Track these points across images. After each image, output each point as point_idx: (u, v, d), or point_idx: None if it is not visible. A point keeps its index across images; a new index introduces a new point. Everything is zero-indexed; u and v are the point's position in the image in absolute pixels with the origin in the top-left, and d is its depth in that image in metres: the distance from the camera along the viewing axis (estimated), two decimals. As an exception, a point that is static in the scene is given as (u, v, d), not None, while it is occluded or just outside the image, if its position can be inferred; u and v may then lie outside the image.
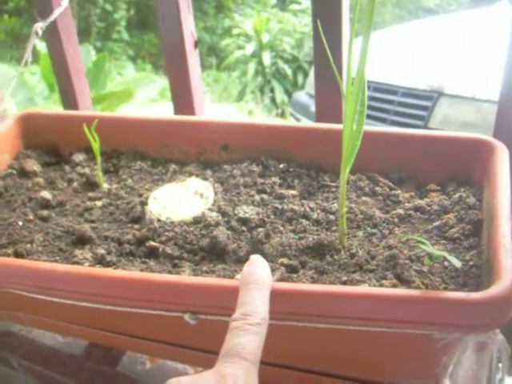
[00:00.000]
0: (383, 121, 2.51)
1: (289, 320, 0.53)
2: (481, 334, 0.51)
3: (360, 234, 0.65)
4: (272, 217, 0.69)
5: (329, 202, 0.71)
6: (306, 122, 2.70)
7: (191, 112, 1.00)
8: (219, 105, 5.30)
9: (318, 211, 0.69)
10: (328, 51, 0.58)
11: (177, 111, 1.03)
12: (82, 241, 0.70)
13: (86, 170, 0.84)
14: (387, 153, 0.74)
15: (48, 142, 0.90)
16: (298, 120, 3.05)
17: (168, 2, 0.93)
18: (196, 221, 0.70)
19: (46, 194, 0.79)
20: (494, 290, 0.48)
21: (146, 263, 0.65)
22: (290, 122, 3.23)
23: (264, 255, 0.62)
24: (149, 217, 0.71)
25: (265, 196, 0.73)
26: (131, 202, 0.75)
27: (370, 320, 0.51)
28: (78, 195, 0.81)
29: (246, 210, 0.70)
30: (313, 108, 0.91)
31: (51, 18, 0.93)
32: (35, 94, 3.81)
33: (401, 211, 0.68)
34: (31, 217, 0.75)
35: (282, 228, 0.67)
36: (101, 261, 0.65)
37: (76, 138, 0.84)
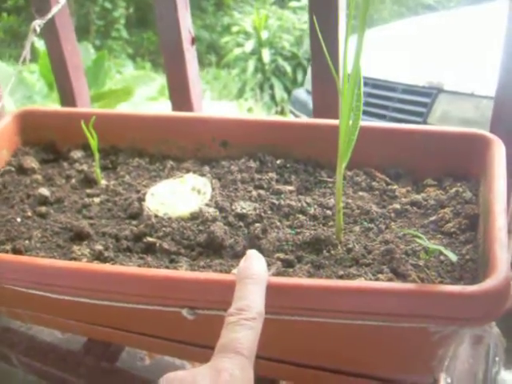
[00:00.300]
0: (382, 117, 2.51)
1: (284, 314, 0.53)
2: (476, 327, 0.51)
3: (357, 228, 0.65)
4: (269, 212, 0.69)
5: (326, 198, 0.71)
6: (302, 118, 2.70)
7: (189, 109, 1.00)
8: (219, 102, 5.30)
9: (315, 206, 0.69)
10: (324, 47, 0.59)
11: (175, 108, 1.03)
12: (79, 237, 0.70)
13: (84, 167, 0.85)
14: (384, 148, 0.74)
15: (46, 139, 0.90)
16: (297, 117, 3.05)
17: (166, 0, 0.93)
18: (193, 216, 0.70)
19: (44, 191, 0.79)
20: (489, 283, 0.48)
21: (144, 259, 0.65)
22: (287, 117, 3.23)
23: (261, 250, 0.63)
24: (146, 213, 0.71)
25: (262, 192, 0.73)
26: (129, 199, 0.75)
27: (366, 314, 0.51)
28: (76, 192, 0.81)
29: (244, 206, 0.70)
30: (312, 105, 0.91)
31: (49, 16, 0.93)
32: (34, 93, 3.81)
33: (397, 206, 0.68)
34: (29, 213, 0.76)
35: (278, 223, 0.67)
36: (98, 257, 0.66)
37: (74, 134, 0.84)
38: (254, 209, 0.69)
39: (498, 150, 0.66)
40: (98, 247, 0.67)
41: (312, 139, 0.77)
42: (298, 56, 5.82)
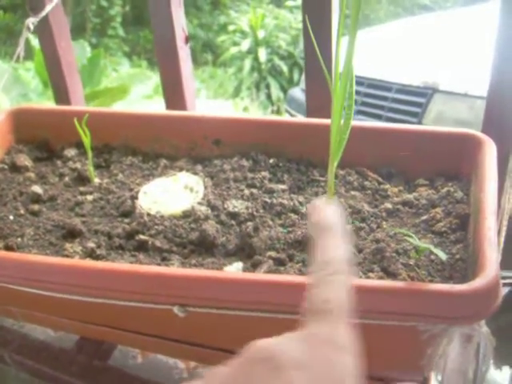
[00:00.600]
0: (377, 117, 2.51)
1: (276, 312, 0.54)
2: (465, 326, 0.51)
3: (348, 227, 0.65)
4: (261, 211, 0.70)
5: (318, 197, 0.71)
6: (296, 117, 2.71)
7: (183, 107, 1.01)
8: (214, 101, 5.30)
9: (307, 205, 0.70)
10: (317, 47, 0.59)
11: (168, 106, 1.03)
12: (72, 235, 0.70)
13: (78, 165, 0.85)
14: (376, 148, 0.75)
15: (40, 137, 0.90)
16: (293, 116, 3.05)
17: (159, -3, 0.93)
18: (185, 215, 0.70)
19: (37, 189, 0.79)
20: (479, 282, 0.49)
21: (136, 256, 0.65)
22: (280, 117, 3.23)
23: (252, 248, 0.63)
24: (139, 211, 0.71)
25: (254, 190, 0.73)
26: (122, 197, 0.75)
27: (355, 312, 0.51)
28: (69, 190, 0.81)
29: (236, 205, 0.70)
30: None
31: (43, 14, 0.93)
32: (29, 90, 3.80)
33: (389, 205, 0.68)
34: (22, 211, 0.76)
35: (270, 222, 0.67)
36: (91, 254, 0.66)
37: (68, 133, 0.84)
38: (246, 207, 0.70)
39: (490, 149, 0.67)
40: (91, 245, 0.67)
41: (304, 138, 0.77)
42: (295, 55, 5.82)
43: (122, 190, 0.78)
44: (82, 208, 0.76)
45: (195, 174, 0.78)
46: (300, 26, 5.91)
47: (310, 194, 0.73)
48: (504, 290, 0.57)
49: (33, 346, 0.88)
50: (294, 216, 0.68)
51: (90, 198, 0.77)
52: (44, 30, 1.04)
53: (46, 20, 0.99)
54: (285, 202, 0.70)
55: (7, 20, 6.68)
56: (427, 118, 2.35)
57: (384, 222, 0.66)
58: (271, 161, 0.79)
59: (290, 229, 0.66)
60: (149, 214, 0.71)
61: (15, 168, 0.86)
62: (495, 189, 0.60)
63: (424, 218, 0.65)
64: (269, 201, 0.71)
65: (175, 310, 0.57)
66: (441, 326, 0.51)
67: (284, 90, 5.52)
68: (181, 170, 0.80)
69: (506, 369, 0.75)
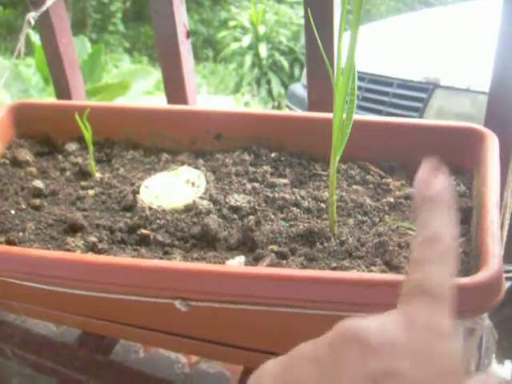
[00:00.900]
0: (379, 112, 2.51)
1: (278, 306, 0.54)
2: (468, 320, 0.52)
3: (350, 221, 0.65)
4: (263, 205, 0.70)
5: (320, 191, 0.71)
6: (299, 111, 2.70)
7: (184, 102, 1.00)
8: (215, 97, 5.29)
9: (309, 199, 0.70)
10: (319, 41, 0.59)
11: (170, 101, 1.03)
12: (73, 229, 0.70)
13: (79, 160, 0.84)
14: (378, 142, 0.75)
15: (41, 132, 0.90)
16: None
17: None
18: (187, 209, 0.70)
19: (38, 183, 0.79)
20: (481, 275, 0.48)
21: (138, 250, 0.65)
22: (282, 111, 3.23)
23: (254, 242, 0.63)
24: (140, 205, 0.71)
25: (256, 185, 0.73)
26: (123, 191, 0.75)
27: (358, 305, 0.51)
28: (70, 184, 0.81)
29: (238, 199, 0.70)
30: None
31: (44, 8, 0.93)
32: (30, 87, 3.79)
33: (391, 199, 0.68)
34: (23, 205, 0.76)
35: (272, 216, 0.67)
36: (92, 248, 0.66)
37: (69, 127, 0.84)
38: (248, 201, 0.69)
39: (492, 143, 0.66)
40: (92, 239, 0.67)
41: (306, 132, 0.77)
42: (295, 51, 5.81)
43: (123, 184, 0.78)
44: (84, 202, 0.76)
45: (197, 168, 0.78)
46: (301, 21, 5.90)
47: (311, 187, 0.73)
48: (507, 284, 0.57)
49: (35, 340, 0.88)
50: (295, 210, 0.68)
51: (91, 192, 0.77)
52: (45, 25, 1.04)
53: (46, 15, 0.98)
54: (287, 196, 0.70)
55: (7, 15, 6.67)
56: (428, 113, 2.35)
57: (386, 216, 0.66)
58: (273, 155, 0.78)
59: (292, 223, 0.66)
60: (150, 208, 0.71)
61: (16, 163, 0.85)
62: (498, 182, 0.60)
63: (426, 211, 0.65)
64: (270, 195, 0.71)
65: (177, 304, 0.57)
66: (443, 319, 0.50)
67: (285, 86, 5.52)
68: (182, 164, 0.80)
69: (508, 362, 0.75)
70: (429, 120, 0.78)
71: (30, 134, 0.90)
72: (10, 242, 0.68)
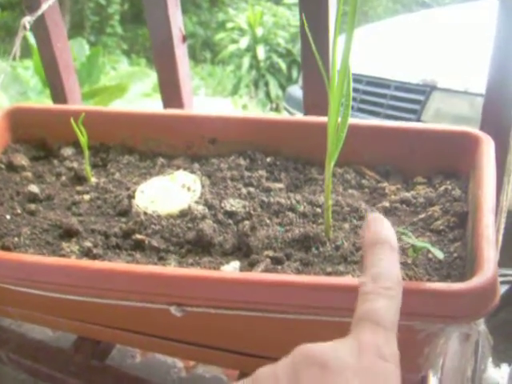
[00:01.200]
0: (376, 115, 2.51)
1: (273, 312, 0.53)
2: (463, 325, 0.51)
3: (346, 226, 0.65)
4: (258, 210, 0.69)
5: (315, 195, 0.71)
6: (294, 115, 2.70)
7: (180, 106, 1.00)
8: (213, 99, 5.29)
9: (305, 204, 0.69)
10: (314, 44, 0.59)
11: (166, 105, 1.03)
12: (69, 234, 0.70)
13: (75, 164, 0.84)
14: (374, 146, 0.74)
15: (36, 136, 0.90)
16: (291, 114, 3.04)
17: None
18: (182, 214, 0.70)
19: (33, 188, 0.79)
20: (476, 280, 0.48)
21: (132, 256, 0.65)
22: (277, 115, 3.23)
23: (249, 247, 0.63)
24: (135, 210, 0.71)
25: (251, 189, 0.73)
26: (118, 196, 0.75)
27: (352, 310, 0.51)
28: (66, 189, 0.81)
29: (233, 203, 0.70)
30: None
31: (39, 13, 0.93)
32: (28, 89, 3.80)
33: (387, 204, 0.68)
34: (19, 210, 0.75)
35: (268, 221, 0.67)
36: (87, 253, 0.65)
37: (64, 132, 0.84)
38: (244, 206, 0.69)
39: (488, 147, 0.66)
40: (87, 244, 0.67)
41: (301, 137, 0.77)
42: (293, 53, 5.82)
43: (118, 189, 0.78)
44: (79, 207, 0.75)
45: (192, 172, 0.78)
46: (298, 23, 5.91)
47: (307, 192, 0.72)
48: (503, 288, 0.57)
49: (30, 345, 0.88)
50: (291, 215, 0.67)
51: (86, 197, 0.77)
52: (40, 30, 1.03)
53: (42, 19, 0.98)
54: (282, 200, 0.70)
55: (5, 18, 6.67)
56: (426, 115, 2.35)
57: (382, 221, 0.66)
58: (268, 159, 0.78)
59: (288, 227, 0.66)
60: (146, 213, 0.71)
61: (12, 167, 0.85)
62: (493, 186, 0.60)
63: (422, 216, 0.65)
64: (266, 200, 0.70)
65: (172, 309, 0.56)
66: (438, 324, 0.50)
67: (282, 88, 5.53)
68: (178, 168, 0.80)
69: (504, 366, 0.75)
70: (424, 124, 0.78)
71: (25, 139, 0.90)
72: (5, 248, 0.68)
